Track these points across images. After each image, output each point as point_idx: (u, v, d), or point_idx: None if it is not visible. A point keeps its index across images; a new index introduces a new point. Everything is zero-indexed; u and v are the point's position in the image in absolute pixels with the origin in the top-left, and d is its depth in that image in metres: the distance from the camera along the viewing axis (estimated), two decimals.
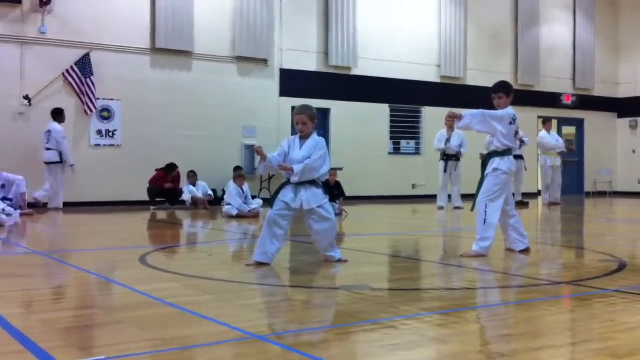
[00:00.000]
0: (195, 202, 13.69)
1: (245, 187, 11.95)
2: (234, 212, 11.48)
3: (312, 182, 5.79)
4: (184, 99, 15.05)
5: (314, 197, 5.76)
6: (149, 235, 9.70)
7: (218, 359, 3.07)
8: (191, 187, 13.89)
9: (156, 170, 14.12)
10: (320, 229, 5.81)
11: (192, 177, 14.04)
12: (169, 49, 14.84)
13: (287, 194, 5.76)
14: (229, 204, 11.68)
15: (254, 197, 12.55)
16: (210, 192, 14.13)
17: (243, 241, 8.70)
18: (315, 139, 5.85)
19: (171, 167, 14.15)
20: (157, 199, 13.95)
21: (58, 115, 13.36)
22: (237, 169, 13.61)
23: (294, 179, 5.72)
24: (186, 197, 13.77)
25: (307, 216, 5.80)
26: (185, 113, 15.07)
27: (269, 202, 6.07)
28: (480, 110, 6.44)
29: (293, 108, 16.06)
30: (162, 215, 12.48)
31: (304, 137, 5.86)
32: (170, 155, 14.40)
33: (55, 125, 13.22)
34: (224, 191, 12.85)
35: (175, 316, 3.88)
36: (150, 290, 4.59)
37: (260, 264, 5.69)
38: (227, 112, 15.49)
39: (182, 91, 15.05)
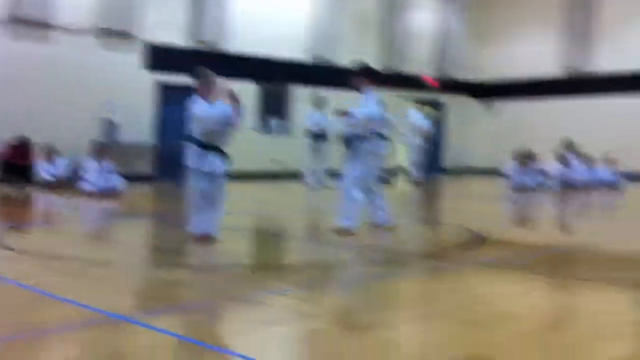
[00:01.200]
0: (49, 183, 12.85)
1: (105, 163, 11.47)
2: (93, 189, 11.00)
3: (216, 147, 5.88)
4: (42, 72, 14.10)
5: (219, 161, 5.92)
6: None
7: (78, 341, 2.91)
8: (46, 166, 12.94)
9: (6, 145, 13.18)
10: (219, 196, 5.86)
11: (50, 153, 13.18)
12: (27, 20, 13.83)
13: (196, 160, 5.79)
14: (87, 180, 11.16)
15: (113, 174, 12.05)
16: (68, 172, 13.34)
17: (101, 220, 8.35)
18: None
19: (22, 142, 13.26)
20: (7, 175, 13.04)
21: None
22: (97, 144, 13.01)
23: None
24: (41, 176, 12.91)
25: (209, 181, 5.77)
26: (43, 86, 14.13)
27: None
28: (366, 114, 6.57)
29: (158, 84, 15.67)
30: (13, 193, 11.71)
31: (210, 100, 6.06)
32: (26, 130, 13.48)
33: None
34: (82, 167, 12.24)
35: (32, 299, 3.65)
36: (3, 271, 4.29)
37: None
38: (88, 86, 14.69)
39: (41, 64, 14.09)
